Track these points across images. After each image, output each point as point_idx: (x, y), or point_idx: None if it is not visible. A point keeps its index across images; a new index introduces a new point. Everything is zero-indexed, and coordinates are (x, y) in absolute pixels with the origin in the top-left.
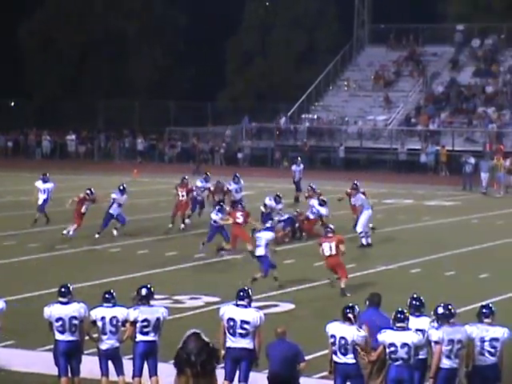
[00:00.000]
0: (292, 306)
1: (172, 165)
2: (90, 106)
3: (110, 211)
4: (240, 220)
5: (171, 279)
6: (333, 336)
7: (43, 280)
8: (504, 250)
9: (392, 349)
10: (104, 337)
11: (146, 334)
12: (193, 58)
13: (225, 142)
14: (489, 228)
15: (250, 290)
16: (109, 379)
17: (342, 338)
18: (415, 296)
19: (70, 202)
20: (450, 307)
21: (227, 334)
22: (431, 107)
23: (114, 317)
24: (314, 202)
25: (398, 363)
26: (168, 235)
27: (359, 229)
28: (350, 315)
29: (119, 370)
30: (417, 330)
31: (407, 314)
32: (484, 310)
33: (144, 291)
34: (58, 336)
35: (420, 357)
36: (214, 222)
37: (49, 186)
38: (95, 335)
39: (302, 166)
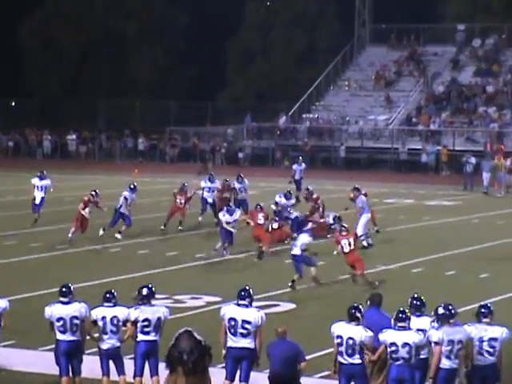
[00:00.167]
0: (293, 306)
1: (173, 164)
2: (90, 106)
3: (121, 210)
4: (261, 221)
5: (172, 279)
6: (339, 337)
7: (44, 280)
8: (504, 249)
9: (393, 348)
10: (105, 336)
11: (147, 333)
12: (193, 58)
13: (226, 142)
14: (489, 228)
15: (250, 290)
16: (110, 379)
17: (350, 338)
18: (416, 296)
19: (82, 208)
20: (450, 307)
21: (228, 333)
22: (432, 107)
23: (115, 316)
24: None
25: (399, 363)
26: (167, 235)
27: (359, 232)
28: (358, 314)
29: (120, 370)
30: (418, 329)
31: (408, 314)
32: (482, 310)
33: (145, 291)
34: (59, 336)
35: (421, 356)
36: (227, 223)
37: (45, 183)
38: (96, 335)
39: (303, 165)
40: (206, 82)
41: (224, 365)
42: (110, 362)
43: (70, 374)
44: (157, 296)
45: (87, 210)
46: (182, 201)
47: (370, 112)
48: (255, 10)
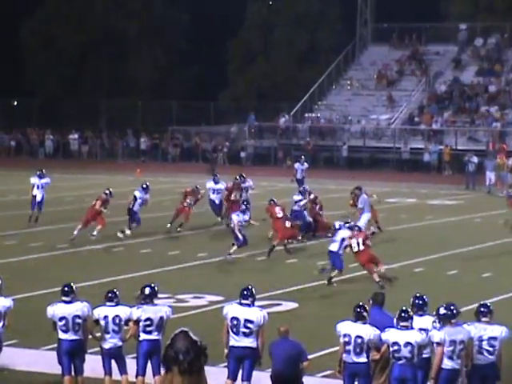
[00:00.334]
0: (295, 305)
1: (175, 164)
2: (91, 106)
3: (134, 209)
4: (280, 214)
5: (174, 278)
6: (347, 335)
7: (45, 279)
8: (507, 248)
9: (395, 348)
10: (107, 336)
11: (150, 333)
12: (195, 58)
13: (228, 141)
14: (492, 227)
15: (253, 289)
16: (112, 378)
17: (359, 337)
18: (418, 295)
19: (97, 206)
20: (452, 307)
21: (230, 332)
22: (434, 106)
23: (117, 316)
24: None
25: (401, 362)
26: (170, 235)
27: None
28: (365, 313)
29: (122, 369)
30: (420, 329)
31: (411, 314)
32: (482, 309)
33: (147, 290)
34: (62, 335)
35: (424, 356)
36: (244, 221)
37: (44, 181)
38: (98, 334)
39: (306, 164)
40: (207, 81)
41: (226, 364)
42: (112, 362)
43: (73, 374)
44: (159, 295)
45: (102, 208)
46: (192, 202)
47: (372, 111)
48: (257, 9)
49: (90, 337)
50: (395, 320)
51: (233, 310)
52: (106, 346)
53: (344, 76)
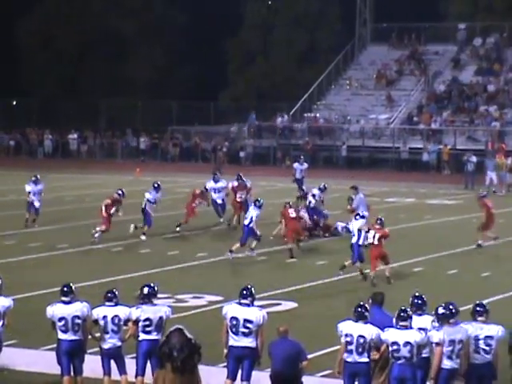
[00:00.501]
0: (295, 305)
1: (174, 163)
2: (91, 106)
3: (146, 209)
4: (294, 215)
5: (174, 278)
6: (348, 335)
7: (44, 279)
8: (506, 248)
9: (395, 347)
10: (106, 336)
11: (149, 333)
12: (194, 58)
13: (228, 141)
14: None
15: (252, 289)
16: (111, 378)
17: (361, 336)
18: (417, 294)
19: (103, 207)
20: (450, 307)
21: (230, 332)
22: (433, 106)
23: (116, 316)
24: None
25: (400, 362)
26: (169, 235)
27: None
28: (366, 313)
29: (121, 369)
30: (419, 328)
31: (410, 313)
32: (478, 309)
33: (147, 290)
34: (61, 335)
35: (423, 355)
36: (252, 221)
37: (39, 187)
38: (97, 334)
39: (305, 164)
40: (206, 81)
41: (226, 364)
42: (112, 362)
43: (72, 374)
44: (158, 295)
45: (113, 209)
46: (200, 203)
47: (371, 111)
48: (256, 9)
49: (90, 337)
50: (394, 320)
51: (232, 309)
52: (106, 346)
53: (343, 76)
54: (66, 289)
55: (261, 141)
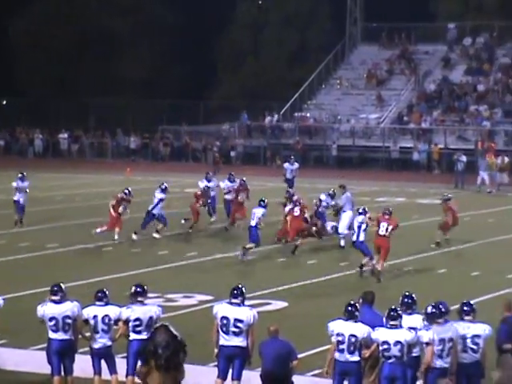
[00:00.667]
0: (285, 304)
1: (165, 163)
2: (81, 105)
3: (154, 211)
4: (297, 213)
5: (164, 278)
6: (340, 334)
7: (34, 279)
8: (495, 247)
9: (385, 346)
10: (96, 335)
11: (139, 332)
12: (185, 57)
13: (219, 140)
14: (480, 226)
15: (243, 289)
16: (101, 378)
17: (353, 335)
18: (407, 294)
19: (110, 208)
20: (440, 306)
21: (220, 332)
22: (423, 105)
23: (107, 315)
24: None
25: (391, 361)
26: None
27: (341, 230)
28: (357, 312)
29: (112, 369)
30: (409, 327)
31: (400, 312)
32: (465, 308)
33: (137, 290)
34: (51, 335)
35: (413, 354)
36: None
37: (26, 184)
38: (87, 334)
39: (296, 164)
40: (197, 81)
41: (216, 363)
42: (102, 361)
43: (62, 373)
44: (149, 295)
45: (121, 208)
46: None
47: (361, 110)
48: (246, 9)
49: (80, 337)
50: (384, 319)
51: (222, 309)
52: (96, 345)
53: (334, 75)
54: (55, 288)
55: (251, 140)
